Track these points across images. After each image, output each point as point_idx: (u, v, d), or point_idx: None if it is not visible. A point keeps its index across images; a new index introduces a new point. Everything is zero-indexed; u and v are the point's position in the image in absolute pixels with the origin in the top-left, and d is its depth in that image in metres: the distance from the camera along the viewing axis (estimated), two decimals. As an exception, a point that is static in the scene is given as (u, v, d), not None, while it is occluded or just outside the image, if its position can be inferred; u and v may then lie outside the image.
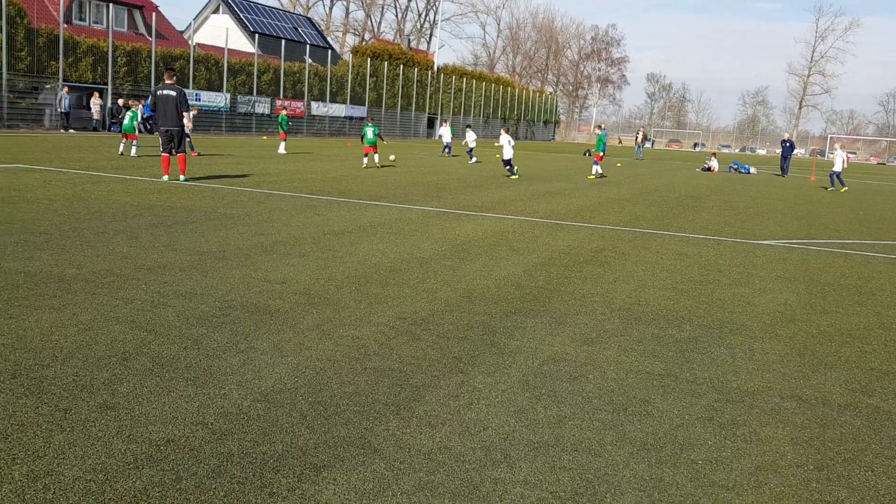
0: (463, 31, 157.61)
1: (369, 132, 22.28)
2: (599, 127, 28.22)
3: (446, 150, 33.34)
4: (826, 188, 27.01)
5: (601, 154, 25.10)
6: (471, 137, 30.04)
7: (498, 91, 73.88)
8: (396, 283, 6.82)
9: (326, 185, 15.83)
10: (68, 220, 8.97)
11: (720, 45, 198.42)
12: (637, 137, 49.12)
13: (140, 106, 23.60)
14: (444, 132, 34.56)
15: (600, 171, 24.94)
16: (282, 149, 26.23)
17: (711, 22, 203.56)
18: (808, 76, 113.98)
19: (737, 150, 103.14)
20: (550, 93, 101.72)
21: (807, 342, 5.77)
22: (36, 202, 10.31)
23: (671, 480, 3.34)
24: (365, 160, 22.51)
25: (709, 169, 35.58)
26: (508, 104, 76.74)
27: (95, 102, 33.77)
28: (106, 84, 34.33)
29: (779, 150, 29.52)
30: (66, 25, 33.28)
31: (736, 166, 37.23)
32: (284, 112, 27.55)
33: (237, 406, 3.77)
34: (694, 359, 5.16)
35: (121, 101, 33.91)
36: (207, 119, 39.13)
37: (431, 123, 60.50)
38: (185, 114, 14.41)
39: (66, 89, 31.73)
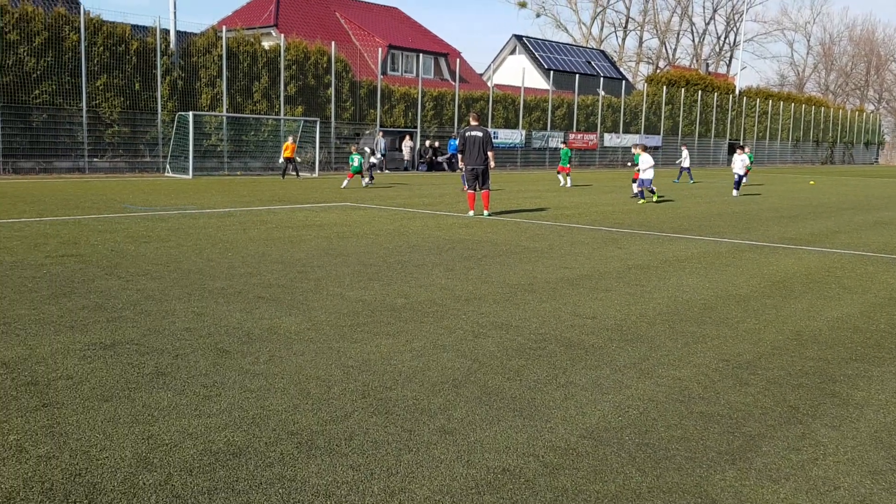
0: (767, 51, 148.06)
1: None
2: None
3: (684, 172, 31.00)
4: None
5: None
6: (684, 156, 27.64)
7: (808, 112, 68.04)
8: (713, 321, 6.47)
9: (625, 217, 15.66)
10: (392, 253, 9.84)
11: None
12: None
13: (364, 150, 25.75)
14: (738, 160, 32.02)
15: None
16: (567, 182, 26.28)
17: None
18: None
19: None
20: (871, 111, 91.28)
21: None
22: (364, 237, 11.47)
23: None
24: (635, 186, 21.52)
25: None
26: (821, 126, 70.29)
27: (406, 145, 37.02)
28: (415, 127, 37.48)
29: None
30: (381, 76, 36.99)
31: None
32: (564, 146, 27.50)
33: (565, 441, 3.80)
34: None
35: (427, 143, 36.84)
36: (504, 155, 40.91)
37: (732, 149, 57.30)
38: (489, 153, 15.18)
39: (381, 134, 35.19)
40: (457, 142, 15.77)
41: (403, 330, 5.89)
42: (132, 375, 4.59)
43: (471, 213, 15.31)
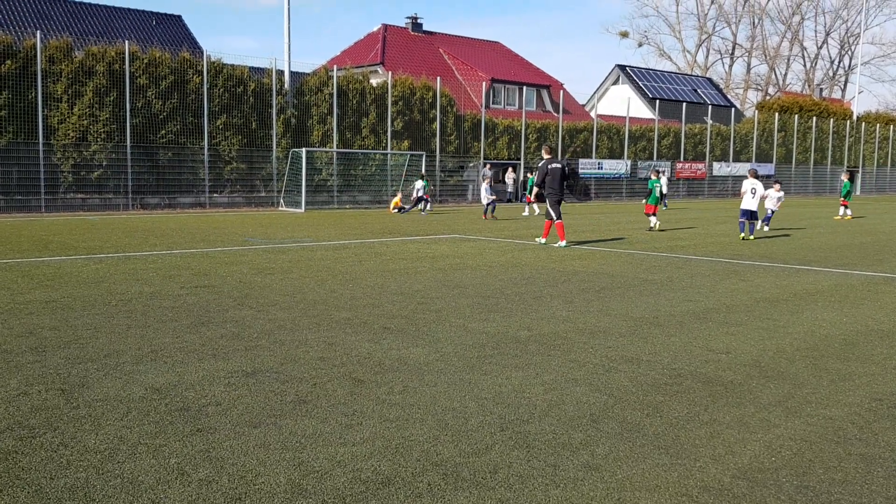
0: (885, 74, 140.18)
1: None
2: None
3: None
4: None
5: None
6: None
7: (934, 137, 64.04)
8: (857, 358, 6.13)
9: (744, 248, 15.12)
10: (508, 285, 9.82)
11: None
12: None
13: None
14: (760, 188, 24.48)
15: None
16: (653, 222, 19.88)
17: None
18: None
19: None
20: None
21: None
22: (477, 268, 11.51)
23: None
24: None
25: None
26: (949, 151, 66.01)
27: (509, 176, 37.13)
28: (518, 159, 37.57)
29: None
30: (485, 109, 37.35)
31: None
32: (655, 176, 21.42)
33: (718, 481, 3.65)
34: None
35: (529, 175, 36.83)
36: (609, 186, 40.45)
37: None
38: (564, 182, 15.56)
39: (488, 166, 35.45)
40: (536, 175, 16.03)
41: (531, 363, 5.85)
42: (276, 403, 4.73)
43: (562, 243, 15.10)
